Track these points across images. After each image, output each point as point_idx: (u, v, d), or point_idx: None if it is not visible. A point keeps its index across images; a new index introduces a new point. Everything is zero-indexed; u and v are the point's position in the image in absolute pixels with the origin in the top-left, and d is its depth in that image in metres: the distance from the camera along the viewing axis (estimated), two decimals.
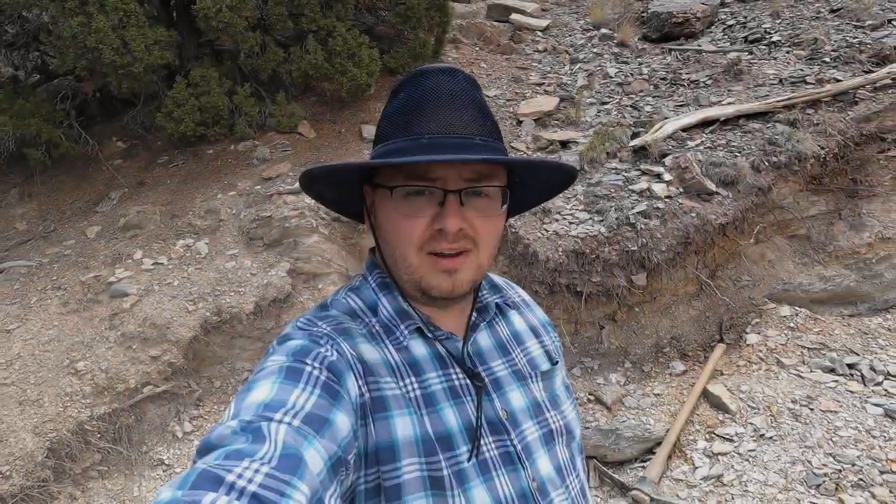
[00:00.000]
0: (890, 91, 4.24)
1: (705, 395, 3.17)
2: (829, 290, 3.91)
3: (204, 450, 0.53)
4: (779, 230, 4.13)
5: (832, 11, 5.69)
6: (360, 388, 0.67)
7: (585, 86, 5.55)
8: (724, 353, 3.48)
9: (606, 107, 5.15)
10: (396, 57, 5.45)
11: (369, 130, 4.83)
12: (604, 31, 6.62)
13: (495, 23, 7.11)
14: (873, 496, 2.33)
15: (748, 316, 3.75)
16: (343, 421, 0.60)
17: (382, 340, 0.74)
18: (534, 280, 3.66)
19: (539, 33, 7.02)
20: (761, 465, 2.65)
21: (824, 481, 2.47)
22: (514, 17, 7.03)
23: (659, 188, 3.77)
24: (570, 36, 6.90)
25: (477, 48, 6.67)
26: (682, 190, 3.78)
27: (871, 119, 4.12)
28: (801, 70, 4.84)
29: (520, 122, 5.03)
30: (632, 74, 5.67)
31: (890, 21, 5.24)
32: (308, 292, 3.71)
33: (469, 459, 0.69)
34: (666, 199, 3.70)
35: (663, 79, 5.43)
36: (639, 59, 6.01)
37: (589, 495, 0.87)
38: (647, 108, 4.94)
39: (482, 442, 0.71)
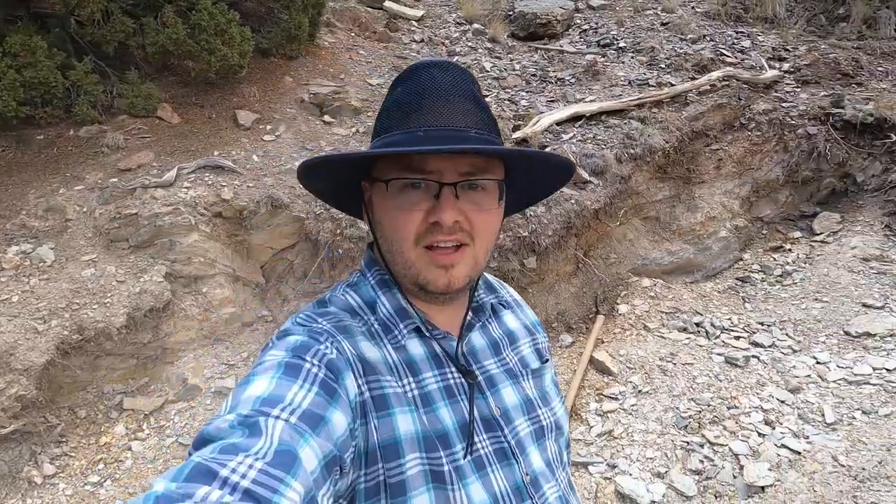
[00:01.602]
0: (710, 95, 5.13)
1: (592, 361, 3.57)
2: (674, 263, 4.65)
3: (200, 442, 0.53)
4: (636, 213, 4.76)
5: (663, 24, 6.66)
6: (359, 386, 0.66)
7: None
8: (603, 323, 3.94)
9: (487, 100, 5.40)
10: (269, 37, 5.07)
11: (245, 116, 4.43)
12: (476, 26, 6.89)
13: (369, 9, 6.97)
14: (725, 428, 2.87)
15: (618, 289, 4.29)
16: (339, 419, 0.60)
17: (381, 339, 0.74)
18: None
19: (414, 23, 7.05)
20: (642, 416, 3.08)
21: (689, 422, 2.96)
22: (388, 4, 6.96)
23: None
24: (445, 28, 7.05)
25: (353, 34, 6.48)
26: None
27: (699, 118, 4.95)
28: (644, 74, 5.60)
29: None
30: (505, 70, 6.01)
31: (704, 36, 6.31)
32: (191, 297, 3.32)
33: (465, 457, 0.71)
34: None
35: (534, 75, 5.86)
36: (510, 56, 6.40)
37: (575, 486, 0.93)
38: (523, 103, 5.30)
39: (477, 439, 0.73)
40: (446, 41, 6.71)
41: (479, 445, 0.73)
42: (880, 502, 2.11)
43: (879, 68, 5.60)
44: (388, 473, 0.65)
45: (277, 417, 0.55)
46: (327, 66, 5.57)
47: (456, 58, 6.22)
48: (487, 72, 5.94)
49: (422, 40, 6.68)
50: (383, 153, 0.71)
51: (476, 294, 0.85)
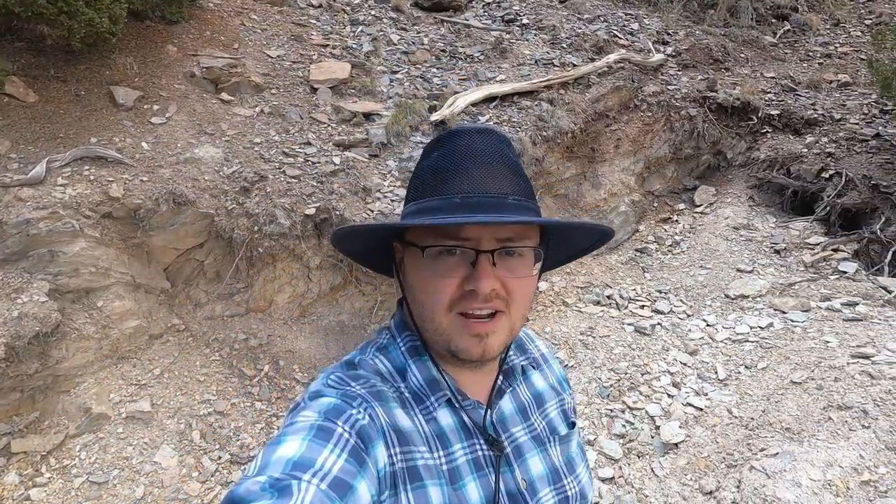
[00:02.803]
0: (608, 77, 5.45)
1: None
2: None
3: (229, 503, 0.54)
4: (547, 191, 5.00)
5: (561, 2, 6.86)
6: (390, 456, 0.66)
7: (372, 51, 5.48)
8: None
9: (398, 76, 5.22)
10: None
11: (124, 94, 3.82)
12: None
13: None
14: (641, 393, 3.23)
15: None
16: (365, 490, 0.59)
17: (413, 408, 0.73)
18: None
19: None
20: None
21: (611, 391, 3.28)
22: None
23: None
24: None
25: None
26: None
27: (600, 100, 5.25)
28: (548, 53, 5.77)
29: (314, 90, 4.70)
30: (414, 43, 5.83)
31: (599, 17, 6.64)
32: (84, 314, 2.89)
33: None
34: None
35: (443, 51, 5.75)
36: (416, 28, 6.20)
37: None
38: (436, 80, 5.21)
39: None
40: (347, 8, 6.31)
41: None
42: (767, 447, 2.54)
43: (742, 55, 6.35)
44: None
45: (308, 482, 0.54)
46: (216, 33, 4.96)
47: (360, 28, 5.88)
48: (395, 45, 5.71)
49: (320, 5, 6.20)
50: (421, 224, 0.69)
51: (507, 356, 0.84)
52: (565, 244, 0.84)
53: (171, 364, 3.11)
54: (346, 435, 0.61)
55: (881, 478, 2.17)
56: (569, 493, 0.83)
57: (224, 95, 4.25)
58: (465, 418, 0.75)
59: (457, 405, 0.75)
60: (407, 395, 0.73)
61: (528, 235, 0.72)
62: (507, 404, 0.82)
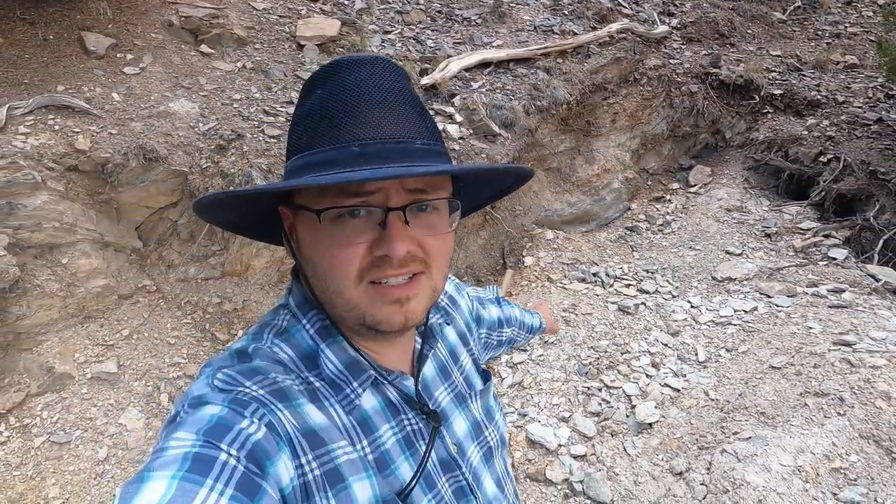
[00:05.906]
0: (609, 48, 5.24)
1: None
2: (573, 213, 4.89)
3: None
4: (539, 164, 4.87)
5: None
6: (299, 467, 0.56)
7: (365, 9, 5.22)
8: (511, 276, 4.07)
9: (390, 37, 4.99)
10: None
11: (96, 41, 3.61)
12: None
13: None
14: (619, 372, 3.19)
15: (523, 241, 4.43)
16: None
17: (327, 400, 0.63)
18: None
19: None
20: (548, 365, 3.30)
21: (589, 369, 3.24)
22: None
23: (453, 129, 3.95)
24: None
25: None
26: (472, 131, 4.05)
27: (599, 71, 5.07)
28: (549, 19, 5.54)
29: (301, 47, 4.48)
30: (409, 2, 5.56)
31: None
32: (48, 270, 2.78)
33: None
34: (460, 140, 3.92)
35: (439, 12, 5.50)
36: None
37: (516, 488, 0.93)
38: (430, 43, 4.99)
39: (438, 483, 0.69)
40: None
41: (441, 490, 0.69)
42: (741, 431, 2.52)
43: (749, 31, 6.13)
44: None
45: None
46: None
47: None
48: (390, 3, 5.45)
49: None
50: (314, 184, 0.55)
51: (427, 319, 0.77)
52: (478, 189, 0.75)
53: (141, 325, 3.03)
54: (233, 461, 0.49)
55: (851, 465, 2.14)
56: (491, 444, 0.80)
57: (204, 48, 4.04)
58: (392, 395, 0.68)
59: (383, 382, 0.67)
60: (318, 385, 0.63)
61: (442, 185, 0.62)
62: (428, 368, 0.76)
